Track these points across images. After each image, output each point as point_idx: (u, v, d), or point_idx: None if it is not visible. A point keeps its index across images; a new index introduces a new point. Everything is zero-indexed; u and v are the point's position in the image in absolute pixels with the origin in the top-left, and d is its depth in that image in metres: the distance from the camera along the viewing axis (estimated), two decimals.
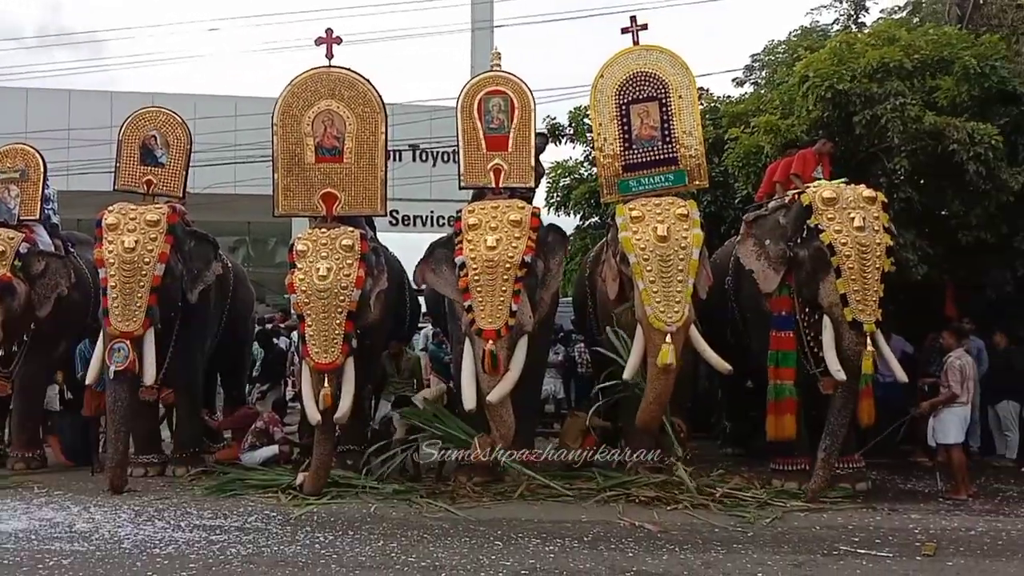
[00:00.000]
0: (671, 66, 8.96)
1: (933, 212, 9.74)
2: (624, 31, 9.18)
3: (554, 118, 14.37)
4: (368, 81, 9.04)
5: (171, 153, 9.53)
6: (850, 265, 7.78)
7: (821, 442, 7.93)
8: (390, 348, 9.64)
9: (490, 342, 7.93)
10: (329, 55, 9.11)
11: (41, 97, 20.12)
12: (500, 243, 8.15)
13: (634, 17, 9.18)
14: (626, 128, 8.94)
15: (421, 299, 11.98)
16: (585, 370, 12.72)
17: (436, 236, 9.61)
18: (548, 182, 13.98)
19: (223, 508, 7.77)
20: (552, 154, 19.94)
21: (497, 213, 8.38)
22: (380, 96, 9.05)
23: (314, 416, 7.97)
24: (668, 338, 7.88)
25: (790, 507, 7.66)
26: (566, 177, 14.45)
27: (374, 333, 8.87)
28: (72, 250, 10.42)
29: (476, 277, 8.10)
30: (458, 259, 8.30)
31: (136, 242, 8.51)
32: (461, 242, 8.35)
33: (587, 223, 14.36)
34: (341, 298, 8.06)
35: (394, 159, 16.60)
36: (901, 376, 8.24)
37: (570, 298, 12.28)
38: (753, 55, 15.16)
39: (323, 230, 8.55)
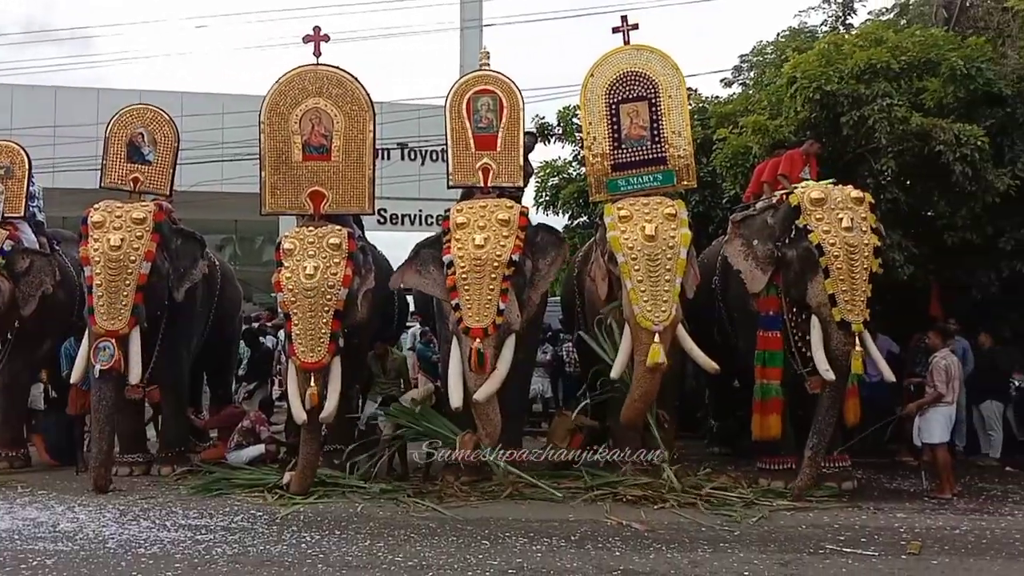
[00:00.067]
0: (661, 66, 8.98)
1: (919, 213, 9.79)
2: (615, 30, 9.20)
3: (543, 117, 14.38)
4: (356, 79, 9.01)
5: (158, 151, 9.48)
6: (838, 265, 7.82)
7: (808, 441, 7.96)
8: (375, 349, 9.62)
9: (477, 341, 7.93)
10: (317, 53, 9.09)
11: (27, 94, 20.00)
12: (488, 242, 8.15)
13: (625, 17, 9.21)
14: (615, 127, 8.96)
15: (409, 298, 11.96)
16: (573, 369, 12.73)
17: (424, 235, 9.61)
18: (537, 181, 13.98)
19: (209, 507, 7.73)
20: (541, 153, 20.04)
21: (485, 212, 8.38)
22: (368, 94, 9.03)
23: (300, 415, 7.95)
24: (656, 337, 7.91)
25: (776, 506, 7.69)
26: (555, 176, 14.44)
27: (361, 332, 8.86)
28: (57, 248, 10.35)
29: (464, 276, 8.10)
30: (446, 258, 8.30)
31: (122, 240, 8.47)
32: (449, 241, 8.34)
33: (575, 223, 14.36)
34: (328, 297, 8.05)
35: (382, 157, 16.55)
36: (889, 376, 8.28)
37: (558, 297, 12.28)
38: (742, 56, 15.21)
39: (310, 228, 8.53)
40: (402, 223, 20.33)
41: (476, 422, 8.12)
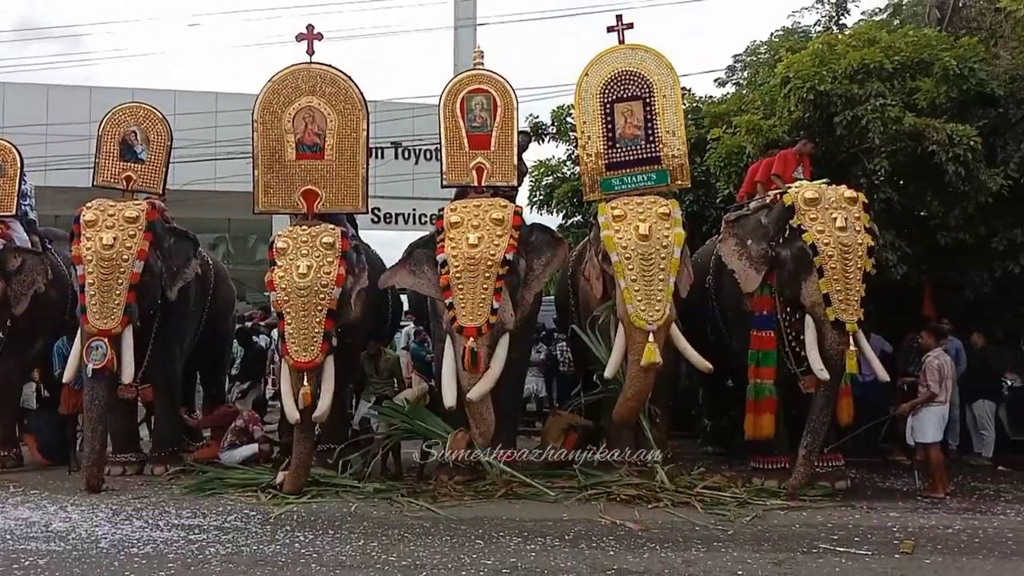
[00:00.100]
0: (656, 66, 8.98)
1: (912, 213, 9.82)
2: (610, 30, 9.20)
3: (537, 117, 14.40)
4: (349, 78, 9.00)
5: (151, 149, 9.46)
6: (832, 265, 7.84)
7: (802, 439, 7.98)
8: (368, 348, 9.59)
9: (471, 340, 7.93)
10: (310, 51, 9.07)
11: (19, 92, 19.94)
12: (482, 241, 8.14)
13: (620, 16, 9.21)
14: (610, 127, 8.96)
15: (403, 297, 11.94)
16: (567, 369, 12.74)
17: (418, 234, 9.60)
18: (531, 181, 14.00)
19: (202, 507, 7.71)
20: (535, 153, 20.03)
21: (479, 211, 8.38)
22: (362, 93, 9.01)
23: (293, 415, 7.93)
24: (651, 337, 7.92)
25: (770, 505, 7.70)
26: (549, 176, 14.46)
27: (355, 331, 8.83)
28: (49, 246, 10.32)
29: (457, 275, 8.09)
30: (440, 257, 8.29)
31: (115, 239, 8.43)
32: (443, 240, 8.34)
33: (569, 222, 14.38)
34: (321, 296, 8.03)
35: (376, 156, 16.54)
36: (883, 375, 8.31)
37: (552, 297, 12.29)
38: (735, 56, 15.27)
39: (304, 227, 8.52)
40: (396, 222, 20.30)
41: (470, 421, 8.12)
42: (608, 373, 8.37)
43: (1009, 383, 10.45)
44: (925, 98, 9.49)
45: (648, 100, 8.93)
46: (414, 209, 20.23)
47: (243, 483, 8.50)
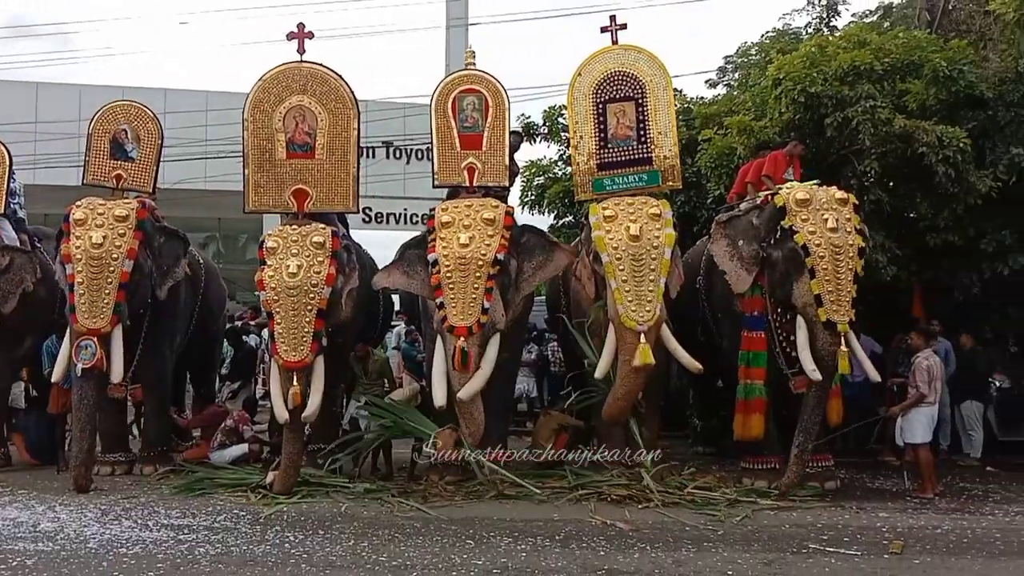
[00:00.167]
0: (649, 67, 9.01)
1: (902, 214, 9.86)
2: (603, 30, 9.23)
3: (528, 117, 14.39)
4: (340, 77, 8.98)
5: (142, 147, 9.42)
6: (824, 266, 7.86)
7: (795, 439, 8.01)
8: (356, 351, 9.57)
9: (461, 339, 7.92)
10: (301, 50, 9.06)
11: (7, 89, 19.78)
12: (473, 241, 8.14)
13: (613, 16, 9.25)
14: (602, 127, 8.98)
15: (395, 297, 11.92)
16: (558, 369, 12.74)
17: (410, 234, 9.59)
18: (522, 181, 13.99)
19: (191, 507, 7.68)
20: (526, 153, 20.02)
21: (471, 211, 8.38)
22: (352, 92, 9.00)
23: (282, 415, 7.92)
24: (642, 337, 7.93)
25: (760, 505, 7.71)
26: (540, 176, 14.46)
27: (346, 331, 8.82)
28: (38, 245, 10.26)
29: (448, 274, 8.09)
30: (430, 256, 8.29)
31: (104, 238, 8.39)
32: (434, 240, 8.33)
33: (561, 222, 14.38)
34: (311, 296, 8.02)
35: (367, 156, 16.54)
36: (874, 375, 8.35)
37: (544, 297, 12.30)
38: (726, 57, 15.31)
39: (294, 227, 8.50)
40: (387, 222, 20.27)
41: (460, 421, 8.11)
42: (599, 374, 8.40)
43: (998, 384, 10.52)
44: (915, 100, 9.54)
45: (640, 101, 8.95)
46: (405, 209, 20.21)
47: (233, 483, 8.47)
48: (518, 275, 8.61)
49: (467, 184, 8.92)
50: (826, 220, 7.96)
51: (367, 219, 19.10)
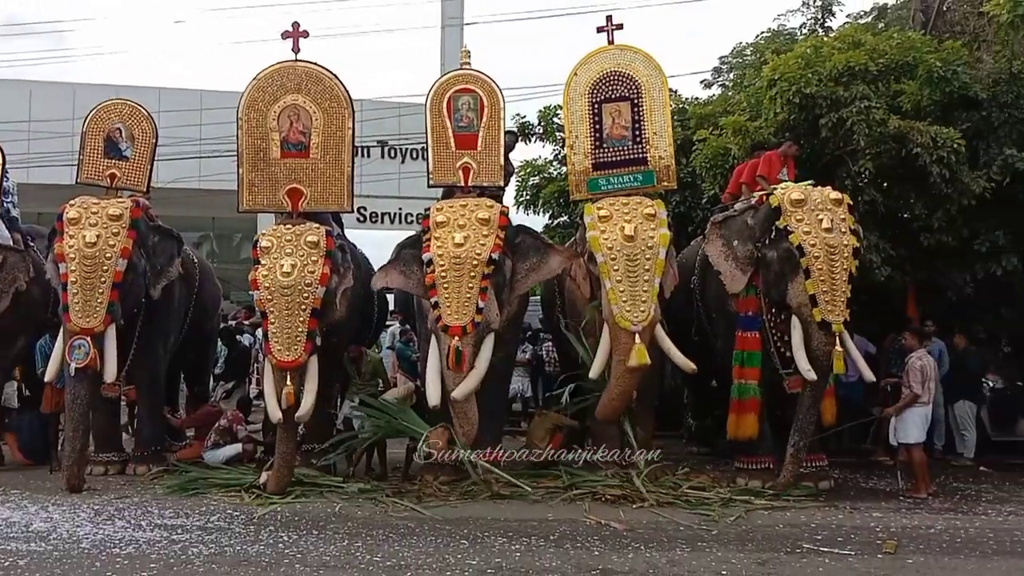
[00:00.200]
0: (645, 67, 9.01)
1: (896, 214, 9.87)
2: (600, 30, 9.23)
3: (524, 117, 14.39)
4: (335, 76, 8.97)
5: (136, 146, 9.39)
6: (819, 266, 7.88)
7: (790, 438, 8.04)
8: (350, 352, 9.55)
9: (455, 338, 7.91)
10: (296, 49, 9.04)
11: (1, 88, 19.73)
12: (468, 240, 8.14)
13: (610, 16, 9.26)
14: (597, 126, 8.99)
15: (389, 297, 11.90)
16: (553, 369, 12.73)
17: (404, 234, 9.58)
18: (517, 181, 13.99)
19: (185, 507, 7.66)
20: (521, 153, 20.05)
21: (465, 211, 8.37)
22: (347, 91, 8.99)
23: (275, 414, 7.90)
24: (637, 338, 7.94)
25: (754, 505, 7.73)
26: (535, 176, 14.45)
27: (340, 331, 8.80)
28: (32, 244, 10.22)
29: (443, 274, 8.08)
30: (425, 256, 8.28)
31: (98, 237, 8.36)
32: (429, 239, 8.32)
33: (556, 222, 14.38)
34: (305, 295, 8.00)
35: (362, 155, 16.51)
36: (868, 375, 8.37)
37: (538, 297, 12.29)
38: (721, 57, 15.33)
39: (288, 226, 8.49)
40: (382, 221, 20.26)
41: (454, 420, 8.11)
42: (593, 374, 8.41)
43: (991, 384, 10.55)
44: (909, 101, 9.56)
45: (636, 101, 8.96)
46: (400, 208, 20.20)
47: (226, 483, 8.45)
48: (512, 275, 8.60)
49: (462, 184, 8.91)
50: (821, 220, 7.98)
51: (362, 219, 19.09)
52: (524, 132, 14.04)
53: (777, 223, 8.21)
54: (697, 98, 14.22)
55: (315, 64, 8.99)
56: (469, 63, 9.41)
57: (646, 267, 8.19)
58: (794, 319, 8.07)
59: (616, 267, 8.16)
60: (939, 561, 6.11)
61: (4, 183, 9.89)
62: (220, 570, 5.78)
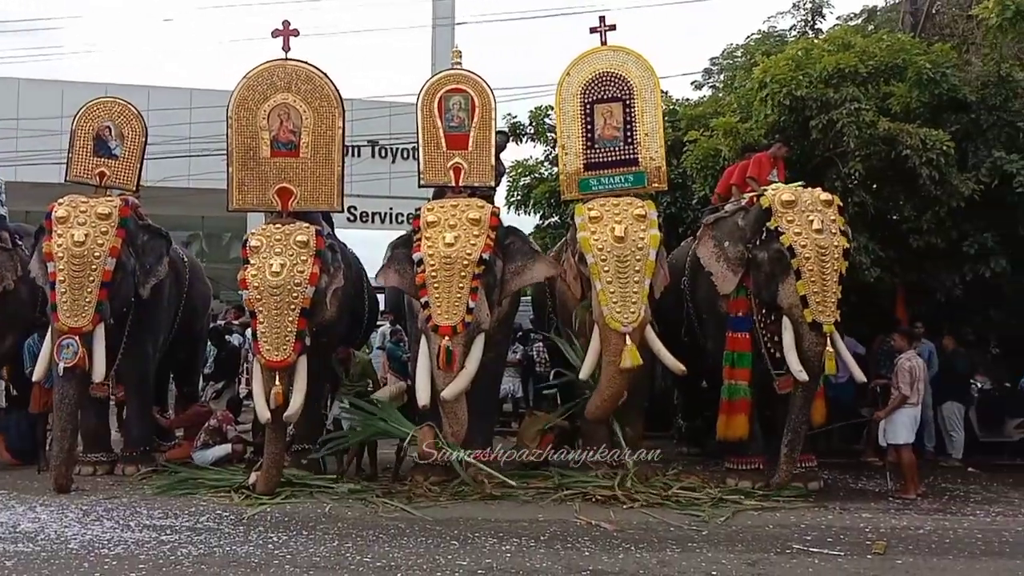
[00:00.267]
0: (637, 68, 9.02)
1: (886, 216, 9.91)
2: (592, 31, 9.24)
3: (515, 117, 14.38)
4: (326, 75, 8.94)
5: (125, 145, 9.35)
6: (810, 267, 7.90)
7: (784, 439, 8.06)
8: (338, 354, 9.52)
9: (446, 338, 7.90)
10: (286, 48, 9.01)
11: None
12: (458, 240, 8.12)
13: (603, 17, 9.25)
14: (589, 127, 8.99)
15: (380, 297, 11.88)
16: (543, 369, 12.74)
17: (395, 233, 9.57)
18: (508, 181, 13.99)
19: (174, 508, 7.63)
20: (512, 153, 20.04)
21: (456, 211, 8.36)
22: (338, 90, 8.96)
23: (264, 414, 7.88)
24: (627, 339, 7.95)
25: (744, 506, 7.75)
26: (526, 176, 14.46)
27: (330, 331, 8.78)
28: (20, 243, 10.16)
29: (433, 273, 8.07)
30: (416, 256, 8.26)
31: (86, 235, 8.32)
32: (419, 239, 8.31)
33: (547, 223, 14.39)
34: (294, 295, 7.98)
35: (353, 155, 16.48)
36: (859, 376, 8.40)
37: (529, 297, 12.30)
38: (712, 59, 15.38)
39: (277, 226, 8.46)
40: (372, 221, 20.24)
41: (443, 420, 8.09)
42: (583, 375, 8.41)
43: (979, 385, 10.60)
44: (899, 103, 9.60)
45: (628, 102, 8.96)
46: (391, 208, 20.19)
47: (216, 484, 8.42)
48: (503, 274, 8.59)
49: (453, 184, 8.89)
50: (811, 221, 8.00)
51: (352, 218, 19.07)
52: (515, 132, 14.05)
53: (768, 224, 8.23)
54: (688, 99, 14.25)
55: (305, 63, 8.96)
56: (460, 63, 9.40)
57: (636, 268, 8.20)
58: (785, 320, 8.09)
59: (606, 268, 8.17)
60: (928, 561, 6.14)
61: None
62: (209, 571, 5.75)
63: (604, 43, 9.17)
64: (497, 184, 9.79)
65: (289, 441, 8.61)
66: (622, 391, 8.25)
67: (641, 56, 9.06)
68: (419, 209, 8.75)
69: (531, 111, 14.25)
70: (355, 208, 19.06)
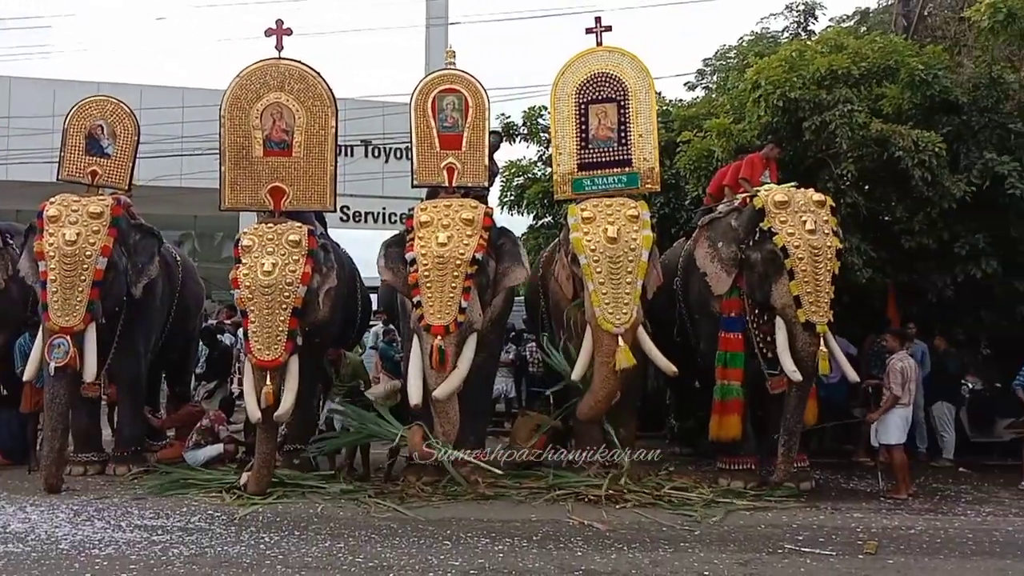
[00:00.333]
0: (632, 69, 9.03)
1: (878, 217, 9.94)
2: (588, 31, 9.25)
3: (508, 117, 14.39)
4: (319, 74, 8.94)
5: (118, 144, 9.32)
6: (803, 267, 7.92)
7: (780, 439, 8.08)
8: (329, 355, 9.50)
9: (438, 338, 7.89)
10: (279, 47, 9.00)
11: None
12: (451, 240, 8.12)
13: (599, 18, 9.27)
14: (583, 127, 9.01)
15: (373, 297, 11.86)
16: (536, 369, 12.73)
17: (388, 233, 9.54)
18: (502, 181, 13.98)
19: (165, 508, 7.61)
20: (506, 153, 20.06)
21: (449, 211, 8.36)
22: (331, 90, 8.96)
23: (255, 414, 7.86)
24: (620, 340, 7.95)
25: (736, 506, 7.76)
26: (519, 176, 14.45)
27: (323, 331, 8.76)
28: (11, 242, 10.11)
29: (426, 273, 8.06)
30: (408, 255, 8.25)
31: (78, 235, 8.29)
32: (412, 239, 8.30)
33: (540, 223, 14.39)
34: (286, 294, 7.96)
35: (345, 154, 16.47)
36: (852, 376, 8.42)
37: (522, 297, 12.29)
38: (705, 60, 15.40)
39: (270, 225, 8.45)
40: (365, 221, 20.20)
41: (435, 420, 8.08)
42: (576, 376, 8.41)
43: (970, 386, 10.63)
44: (891, 104, 9.63)
45: (622, 103, 8.98)
46: (384, 208, 20.15)
47: (207, 484, 8.40)
48: (495, 274, 8.59)
49: (446, 184, 8.89)
50: (804, 222, 8.03)
51: (345, 218, 19.04)
52: (509, 132, 14.04)
53: (761, 225, 8.25)
54: (681, 100, 14.26)
55: (299, 62, 8.95)
56: (454, 63, 9.40)
57: (629, 269, 8.20)
58: (779, 320, 8.11)
59: (599, 269, 8.17)
60: (919, 561, 6.15)
61: None
62: (201, 571, 5.74)
63: (599, 44, 9.18)
64: (490, 184, 9.79)
65: (281, 441, 8.59)
66: (615, 392, 8.26)
67: (636, 57, 9.08)
68: (412, 209, 8.74)
69: (524, 111, 14.26)
70: (348, 208, 19.03)
